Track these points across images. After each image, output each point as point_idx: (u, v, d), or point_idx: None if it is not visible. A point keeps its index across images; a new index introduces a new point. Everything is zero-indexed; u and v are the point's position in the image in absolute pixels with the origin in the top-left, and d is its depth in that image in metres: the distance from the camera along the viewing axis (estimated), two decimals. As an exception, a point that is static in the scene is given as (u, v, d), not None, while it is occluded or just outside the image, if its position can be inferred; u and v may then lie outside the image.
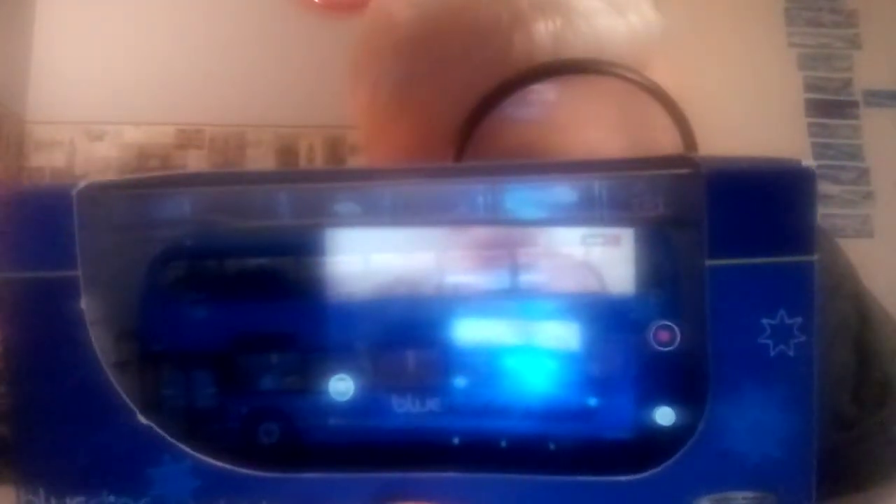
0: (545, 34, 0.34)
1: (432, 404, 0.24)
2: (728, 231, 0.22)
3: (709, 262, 0.22)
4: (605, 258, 0.24)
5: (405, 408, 0.24)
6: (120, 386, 0.23)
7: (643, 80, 0.33)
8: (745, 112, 1.59)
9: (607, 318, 0.24)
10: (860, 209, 1.67)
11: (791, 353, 0.22)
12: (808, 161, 0.22)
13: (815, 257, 0.22)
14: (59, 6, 1.63)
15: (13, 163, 1.56)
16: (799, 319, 0.22)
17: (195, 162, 1.63)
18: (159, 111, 1.61)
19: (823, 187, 1.64)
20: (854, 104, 1.74)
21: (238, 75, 1.61)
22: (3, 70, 1.54)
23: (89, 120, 1.61)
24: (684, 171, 0.23)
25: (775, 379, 0.22)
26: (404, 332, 0.25)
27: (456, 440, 0.24)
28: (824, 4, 1.77)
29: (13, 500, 0.24)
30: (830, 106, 1.74)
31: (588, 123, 0.34)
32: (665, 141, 0.34)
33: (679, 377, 0.24)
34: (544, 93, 0.34)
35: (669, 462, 0.22)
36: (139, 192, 0.25)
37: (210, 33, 1.63)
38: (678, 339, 0.24)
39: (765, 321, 0.22)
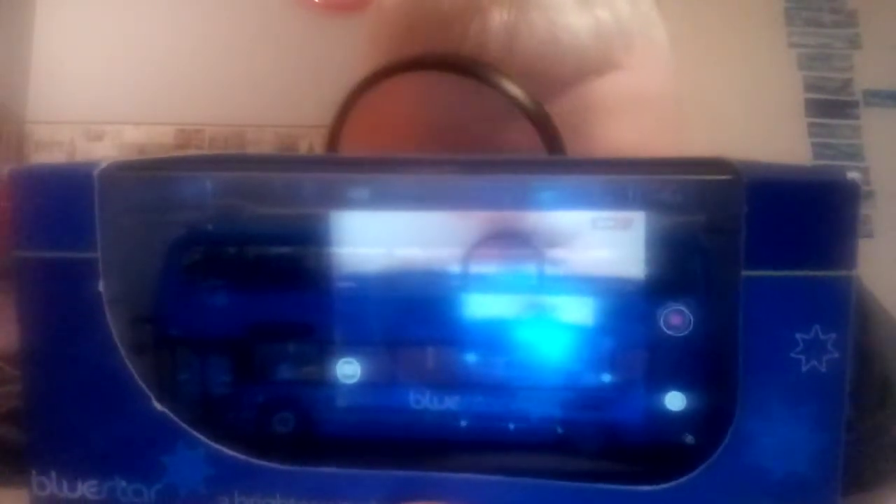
0: (499, 25, 0.33)
1: (444, 389, 0.24)
2: (766, 241, 0.22)
3: (745, 273, 0.22)
4: (617, 242, 0.24)
5: (418, 394, 0.24)
6: (136, 371, 0.23)
7: (516, 92, 0.32)
8: (745, 112, 1.59)
9: (618, 301, 0.24)
10: (860, 209, 1.67)
11: (823, 370, 0.22)
12: (853, 173, 0.22)
13: (854, 273, 0.22)
14: (59, 6, 1.63)
15: (13, 163, 1.56)
16: (833, 335, 0.22)
17: (195, 162, 1.63)
18: (159, 111, 1.61)
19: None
20: (854, 104, 1.74)
21: (238, 75, 1.61)
22: (3, 70, 1.54)
23: (89, 120, 1.61)
24: (724, 177, 0.23)
25: (805, 395, 0.22)
26: (419, 319, 0.24)
27: (465, 422, 0.24)
28: (824, 4, 1.77)
29: (13, 501, 0.24)
30: (830, 106, 1.74)
31: (403, 119, 0.34)
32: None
33: (690, 363, 0.23)
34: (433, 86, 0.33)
35: (693, 473, 0.22)
36: (160, 173, 0.24)
37: (210, 33, 1.63)
38: (691, 324, 0.23)
39: (798, 335, 0.22)
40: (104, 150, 1.61)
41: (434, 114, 0.34)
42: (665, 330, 0.24)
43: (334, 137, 0.34)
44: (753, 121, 1.58)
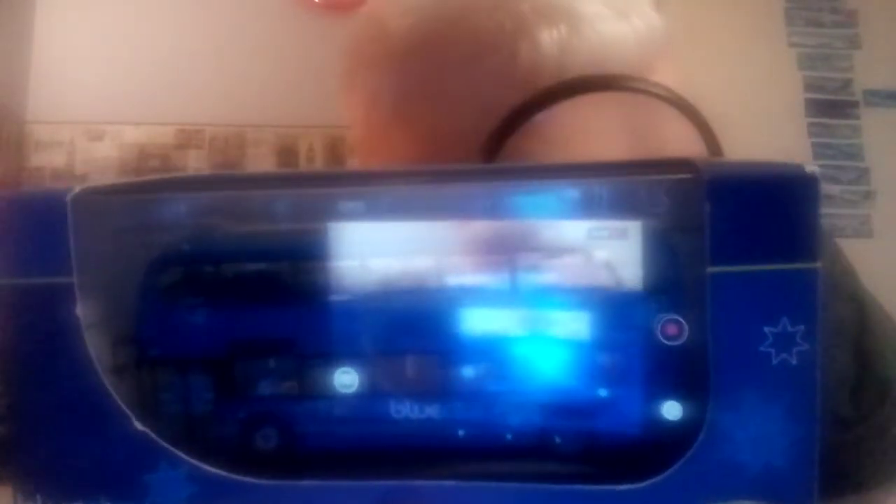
0: (551, 42, 0.34)
1: (438, 397, 0.24)
2: (730, 237, 0.22)
3: (710, 270, 0.22)
4: (612, 251, 0.24)
5: (409, 404, 0.24)
6: (116, 392, 0.23)
7: (667, 92, 0.33)
8: (745, 112, 1.59)
9: (614, 311, 0.24)
10: (860, 209, 1.67)
11: (794, 362, 0.22)
12: (812, 166, 0.22)
13: (819, 264, 0.22)
14: (59, 6, 1.63)
15: (13, 163, 1.56)
16: (802, 327, 0.22)
17: (195, 162, 1.63)
18: (159, 111, 1.61)
19: (823, 187, 1.63)
20: (854, 104, 1.74)
21: (238, 75, 1.61)
22: (3, 70, 1.53)
23: (89, 120, 1.61)
24: (685, 175, 0.23)
25: (777, 388, 0.22)
26: (406, 331, 0.24)
27: (461, 432, 0.24)
28: (824, 4, 1.77)
29: (12, 500, 0.24)
30: (830, 106, 1.74)
31: (599, 137, 0.34)
32: (675, 149, 0.33)
33: (687, 371, 0.23)
34: (555, 107, 0.33)
35: (670, 471, 0.22)
36: (135, 196, 0.25)
37: (210, 33, 1.63)
38: (686, 333, 0.23)
39: (767, 329, 0.22)
40: (104, 150, 1.61)
41: (574, 131, 0.34)
42: (661, 339, 0.24)
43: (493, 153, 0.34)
44: (753, 121, 1.58)
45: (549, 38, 0.34)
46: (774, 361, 0.22)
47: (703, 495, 0.22)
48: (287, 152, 1.64)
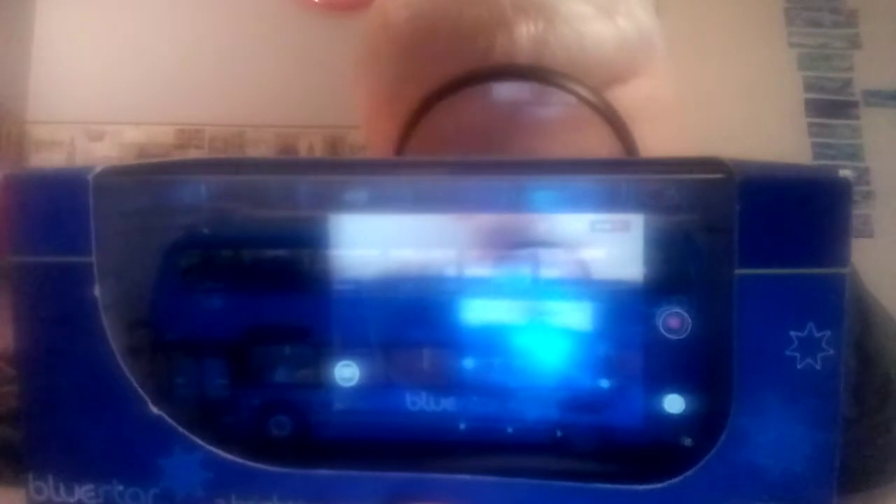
0: (526, 37, 0.34)
1: (441, 391, 0.24)
2: (759, 240, 0.22)
3: (738, 271, 0.22)
4: (615, 244, 0.24)
5: (415, 397, 0.24)
6: (132, 374, 0.23)
7: (586, 93, 0.33)
8: (745, 112, 1.59)
9: (616, 304, 0.24)
10: (860, 209, 1.67)
11: (818, 367, 0.22)
12: (846, 170, 0.22)
13: (848, 270, 0.22)
14: (59, 6, 1.63)
15: (13, 163, 1.56)
16: (827, 333, 0.22)
17: (195, 162, 1.63)
18: (159, 111, 1.61)
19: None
20: (854, 104, 1.74)
21: (238, 75, 1.61)
22: (3, 70, 1.53)
23: (89, 120, 1.61)
24: (716, 176, 0.23)
25: (801, 392, 0.22)
26: (416, 322, 0.25)
27: (463, 426, 0.24)
28: (824, 4, 1.77)
29: (13, 501, 0.24)
30: (830, 106, 1.73)
31: (544, 131, 0.34)
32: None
33: (689, 365, 0.24)
34: (507, 93, 0.34)
35: (689, 472, 0.22)
36: (155, 177, 0.25)
37: (210, 33, 1.63)
38: (689, 326, 0.23)
39: (793, 333, 0.22)
40: (104, 150, 1.61)
41: (502, 122, 0.34)
42: (663, 332, 0.24)
43: (401, 148, 0.34)
44: (753, 121, 1.58)
45: (525, 32, 0.34)
46: (799, 366, 0.22)
47: (722, 498, 0.22)
48: (287, 152, 1.64)
